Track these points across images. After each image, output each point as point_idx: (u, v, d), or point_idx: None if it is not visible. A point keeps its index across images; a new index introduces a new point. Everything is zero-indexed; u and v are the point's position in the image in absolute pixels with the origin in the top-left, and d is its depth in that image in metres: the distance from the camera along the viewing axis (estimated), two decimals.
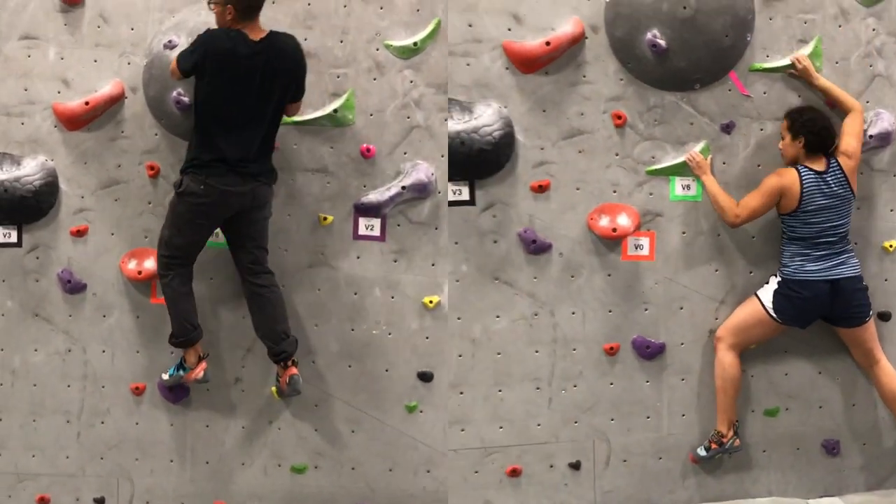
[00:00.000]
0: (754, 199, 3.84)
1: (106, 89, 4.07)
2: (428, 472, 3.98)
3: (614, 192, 3.92)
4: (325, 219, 4.00)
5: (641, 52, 3.79)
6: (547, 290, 3.92)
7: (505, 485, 3.95)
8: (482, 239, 3.87)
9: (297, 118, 3.93)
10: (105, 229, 4.07)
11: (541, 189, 3.86)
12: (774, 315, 3.87)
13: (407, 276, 3.96)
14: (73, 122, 4.06)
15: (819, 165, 3.83)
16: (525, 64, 3.76)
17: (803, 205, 3.79)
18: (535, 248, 3.87)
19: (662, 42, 3.73)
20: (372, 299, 4.03)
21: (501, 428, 3.94)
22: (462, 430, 3.91)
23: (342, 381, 4.04)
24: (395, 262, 3.99)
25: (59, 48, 4.12)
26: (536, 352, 3.94)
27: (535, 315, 3.92)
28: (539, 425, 3.96)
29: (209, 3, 3.79)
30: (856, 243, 3.93)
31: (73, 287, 4.10)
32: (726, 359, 3.92)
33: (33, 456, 4.13)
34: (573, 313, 3.94)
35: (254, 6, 3.75)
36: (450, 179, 3.82)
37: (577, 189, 3.90)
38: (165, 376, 4.02)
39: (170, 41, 3.94)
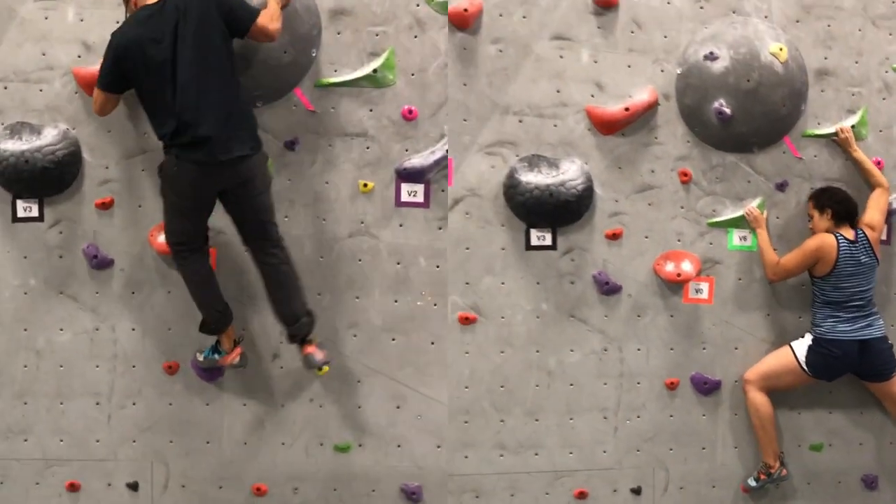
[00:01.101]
0: (793, 259, 4.20)
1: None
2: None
3: (678, 240, 4.30)
4: (365, 185, 3.98)
5: (707, 118, 4.21)
6: (616, 327, 4.26)
7: None
8: (561, 280, 4.21)
9: (335, 79, 3.85)
10: (132, 202, 3.97)
11: (614, 237, 4.24)
12: (806, 368, 4.21)
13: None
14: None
15: (850, 234, 4.21)
16: (605, 126, 4.15)
17: (837, 270, 4.14)
18: (608, 289, 4.24)
19: (728, 110, 4.15)
20: (416, 269, 4.03)
21: (571, 453, 4.27)
22: (536, 455, 4.25)
23: (386, 355, 4.07)
24: (440, 229, 4.01)
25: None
26: (605, 384, 4.28)
27: (605, 350, 4.26)
28: (605, 452, 4.28)
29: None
30: None
31: (99, 262, 3.95)
32: (758, 399, 4.25)
33: (61, 440, 3.99)
34: (639, 350, 4.30)
35: None
36: (534, 227, 4.17)
37: (646, 237, 4.27)
38: (200, 357, 3.90)
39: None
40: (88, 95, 3.87)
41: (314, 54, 3.98)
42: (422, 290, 4.05)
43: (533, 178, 4.06)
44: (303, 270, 3.94)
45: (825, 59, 4.31)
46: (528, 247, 4.17)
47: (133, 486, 4.03)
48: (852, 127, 4.31)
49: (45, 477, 4.00)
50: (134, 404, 4.02)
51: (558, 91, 4.13)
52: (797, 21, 4.27)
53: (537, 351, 4.21)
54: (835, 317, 4.18)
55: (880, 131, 4.40)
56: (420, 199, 3.91)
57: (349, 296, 4.05)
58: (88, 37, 3.94)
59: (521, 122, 4.12)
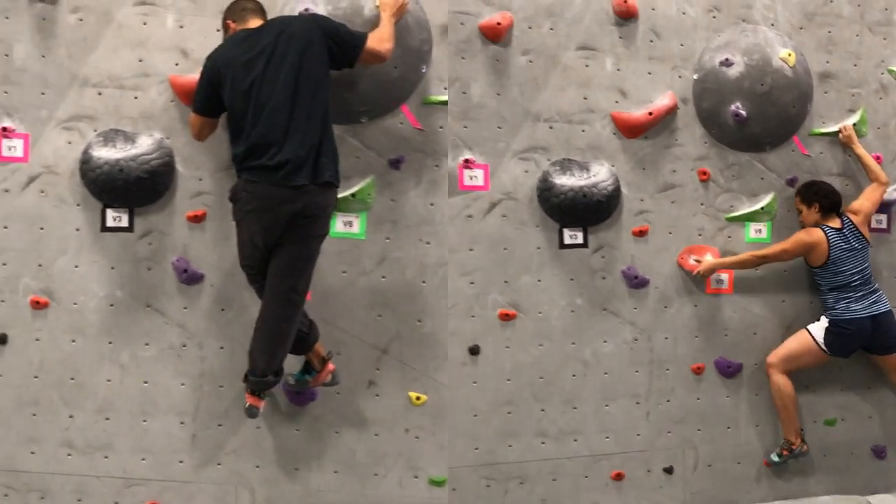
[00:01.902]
0: (780, 246, 4.51)
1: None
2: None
3: (699, 235, 4.59)
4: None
5: (723, 120, 4.52)
6: (645, 318, 4.54)
7: (610, 488, 4.54)
8: (593, 276, 4.47)
9: (443, 98, 4.01)
10: (225, 216, 3.85)
11: (640, 233, 4.50)
12: (826, 349, 4.54)
13: None
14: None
15: (836, 224, 4.53)
16: (630, 130, 4.43)
17: (833, 257, 4.47)
18: (636, 283, 4.51)
19: (744, 112, 4.47)
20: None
21: (607, 438, 4.54)
22: (575, 441, 4.51)
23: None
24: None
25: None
26: (636, 371, 4.55)
27: (636, 340, 4.53)
28: (639, 435, 4.55)
29: (223, 21, 3.73)
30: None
31: (189, 277, 3.93)
32: (780, 381, 4.58)
33: (143, 459, 3.96)
34: (666, 338, 4.58)
35: (246, 7, 3.69)
36: (566, 227, 4.41)
37: (670, 233, 4.56)
38: (291, 380, 3.83)
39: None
40: (184, 104, 3.88)
41: (423, 70, 4.11)
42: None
43: (567, 181, 4.33)
44: (403, 294, 4.07)
45: (827, 62, 4.66)
46: (562, 245, 4.43)
47: None
48: (853, 125, 4.66)
49: (124, 496, 3.98)
50: (220, 425, 3.99)
51: (585, 98, 4.40)
52: (801, 28, 4.62)
53: (573, 343, 4.47)
54: (846, 298, 4.49)
55: (878, 128, 4.77)
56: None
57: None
58: (187, 44, 3.95)
59: (551, 128, 4.38)
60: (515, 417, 4.40)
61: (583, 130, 4.41)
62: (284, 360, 3.71)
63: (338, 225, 4.02)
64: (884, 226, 4.76)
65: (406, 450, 4.15)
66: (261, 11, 3.73)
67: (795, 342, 4.60)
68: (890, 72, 4.73)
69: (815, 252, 4.48)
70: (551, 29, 4.35)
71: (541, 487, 4.44)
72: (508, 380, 4.38)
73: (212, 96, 3.60)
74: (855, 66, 4.68)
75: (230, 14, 3.74)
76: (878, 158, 4.69)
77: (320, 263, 3.82)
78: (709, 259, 4.49)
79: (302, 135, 3.47)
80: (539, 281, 4.41)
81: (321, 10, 3.90)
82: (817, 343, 4.53)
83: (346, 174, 3.97)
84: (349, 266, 4.07)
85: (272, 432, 4.05)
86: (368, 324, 4.10)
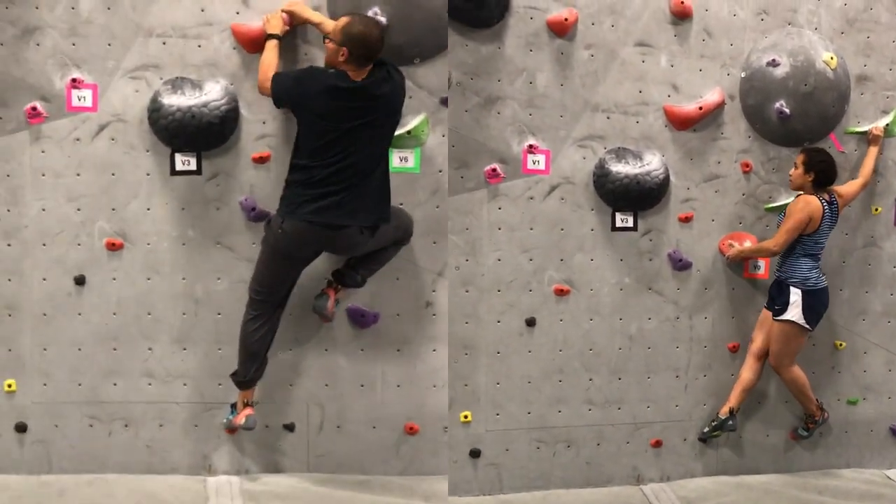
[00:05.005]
0: (791, 229, 4.64)
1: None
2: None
3: (740, 223, 4.92)
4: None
5: (767, 116, 4.84)
6: (687, 299, 4.87)
7: (649, 454, 4.89)
8: (641, 257, 4.80)
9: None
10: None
11: (686, 220, 4.83)
12: (808, 326, 4.75)
13: None
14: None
15: (825, 195, 4.78)
16: (680, 123, 4.75)
17: (821, 227, 4.73)
18: (680, 265, 4.84)
19: (788, 110, 4.79)
20: None
21: (648, 407, 4.89)
22: (619, 409, 4.85)
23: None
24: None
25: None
26: (677, 347, 4.89)
27: (677, 318, 4.87)
28: (677, 406, 4.91)
29: (324, 38, 3.89)
30: None
31: (257, 215, 4.20)
32: (789, 375, 4.83)
33: (219, 384, 4.29)
34: (705, 318, 4.91)
35: (369, 56, 3.84)
36: (618, 211, 4.73)
37: (713, 220, 4.88)
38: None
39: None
40: (248, 52, 4.14)
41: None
42: None
43: (622, 169, 4.65)
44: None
45: (864, 66, 4.97)
46: (613, 228, 4.75)
47: (290, 428, 4.40)
48: (886, 126, 4.99)
49: (202, 419, 4.35)
50: (290, 350, 4.37)
51: (640, 91, 4.71)
52: (842, 33, 4.92)
53: (620, 319, 4.80)
54: (816, 267, 4.73)
55: None
56: None
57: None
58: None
59: (608, 118, 4.70)
60: (566, 385, 4.75)
61: (637, 121, 4.73)
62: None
63: (394, 160, 4.32)
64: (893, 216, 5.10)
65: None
66: (371, 62, 3.88)
67: (780, 339, 4.73)
68: None
69: (812, 221, 4.67)
70: (612, 26, 4.66)
71: (586, 451, 4.80)
72: (560, 350, 4.73)
73: (285, 100, 3.91)
74: (890, 69, 4.99)
75: (351, 43, 3.80)
76: None
77: None
78: (747, 245, 4.82)
79: (371, 190, 4.04)
80: (592, 260, 4.74)
81: None
82: (799, 325, 4.70)
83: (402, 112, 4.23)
84: (405, 198, 4.39)
85: (339, 353, 4.43)
86: (425, 249, 4.45)
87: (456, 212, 4.52)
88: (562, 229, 4.70)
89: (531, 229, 4.64)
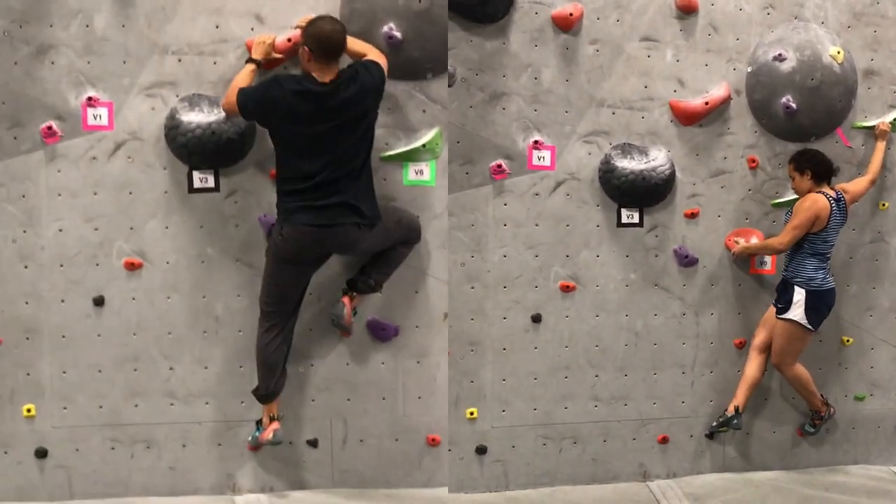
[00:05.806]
0: (799, 226, 4.62)
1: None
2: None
3: (746, 219, 4.90)
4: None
5: (773, 112, 4.82)
6: (693, 295, 4.86)
7: (656, 450, 4.89)
8: (647, 254, 4.79)
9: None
10: None
11: (692, 216, 4.81)
12: (811, 327, 4.74)
13: None
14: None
15: (832, 192, 4.75)
16: (686, 118, 4.73)
17: (829, 225, 4.70)
18: (686, 261, 4.82)
19: (794, 105, 4.77)
20: None
21: (655, 404, 4.88)
22: (625, 405, 4.85)
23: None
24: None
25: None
26: (683, 344, 4.88)
27: (684, 315, 4.86)
28: (683, 402, 4.90)
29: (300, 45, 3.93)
30: None
31: None
32: (792, 374, 4.82)
33: (242, 402, 4.30)
34: (712, 314, 4.90)
35: (329, 53, 3.85)
36: (624, 207, 4.73)
37: (719, 216, 4.86)
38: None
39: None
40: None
41: None
42: None
43: (627, 164, 4.63)
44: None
45: (871, 60, 4.94)
46: (619, 224, 4.74)
47: (313, 443, 4.41)
48: (893, 121, 4.96)
49: (225, 438, 4.33)
50: (311, 365, 4.37)
51: (646, 86, 4.69)
52: (849, 27, 4.90)
53: (626, 315, 4.79)
54: (822, 268, 4.70)
55: None
56: None
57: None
58: (262, 10, 4.17)
59: (613, 113, 4.68)
60: (572, 381, 4.75)
61: (642, 117, 4.71)
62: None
63: (410, 174, 4.37)
64: None
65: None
66: (336, 57, 3.91)
67: (783, 337, 4.72)
68: None
69: (818, 219, 4.64)
70: (617, 20, 4.64)
71: (592, 447, 4.80)
72: (566, 347, 4.73)
73: (251, 113, 3.91)
74: None
75: (310, 41, 3.84)
76: None
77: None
78: (754, 241, 4.80)
79: (357, 184, 4.10)
80: (597, 256, 4.73)
81: None
82: (803, 326, 4.69)
83: (415, 127, 4.38)
84: (421, 211, 4.41)
85: (360, 367, 4.44)
86: (440, 261, 4.47)
87: (461, 208, 4.52)
88: (567, 225, 4.69)
89: (537, 225, 4.63)
